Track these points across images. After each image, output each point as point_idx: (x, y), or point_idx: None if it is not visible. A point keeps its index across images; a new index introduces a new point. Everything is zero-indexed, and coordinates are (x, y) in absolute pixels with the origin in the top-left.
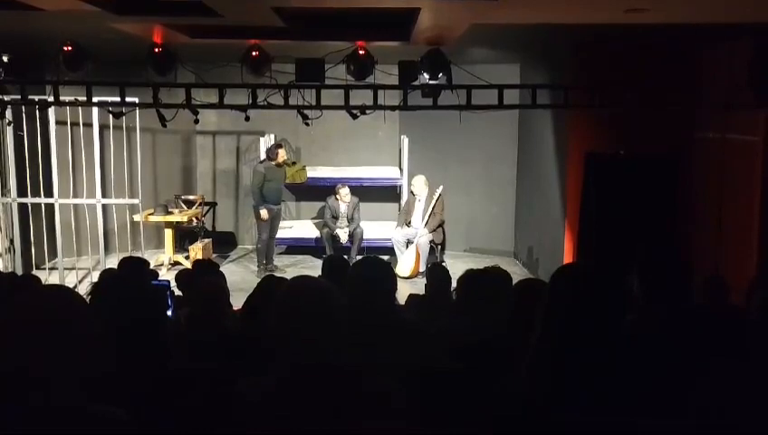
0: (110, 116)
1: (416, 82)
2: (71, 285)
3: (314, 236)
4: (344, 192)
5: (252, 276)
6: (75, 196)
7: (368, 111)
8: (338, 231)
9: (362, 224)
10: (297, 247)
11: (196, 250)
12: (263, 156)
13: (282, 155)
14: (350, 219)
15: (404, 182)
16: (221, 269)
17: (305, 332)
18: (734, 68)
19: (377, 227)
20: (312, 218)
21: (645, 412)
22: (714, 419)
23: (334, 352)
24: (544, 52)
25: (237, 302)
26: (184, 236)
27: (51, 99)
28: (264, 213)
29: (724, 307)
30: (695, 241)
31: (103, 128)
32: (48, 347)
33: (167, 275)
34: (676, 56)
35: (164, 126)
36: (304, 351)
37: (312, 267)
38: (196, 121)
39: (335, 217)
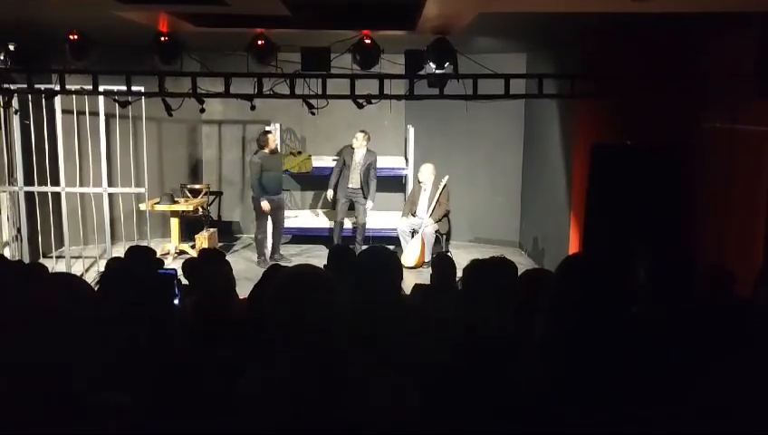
0: (116, 105)
1: (422, 72)
2: (77, 274)
3: (319, 226)
4: (359, 136)
5: (257, 266)
6: (82, 185)
7: (373, 101)
8: (343, 216)
9: (368, 213)
10: (303, 237)
11: (202, 239)
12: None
13: (273, 140)
14: (363, 179)
15: (410, 172)
16: (226, 258)
17: (301, 321)
18: (741, 57)
19: (382, 217)
20: (322, 207)
21: (648, 403)
22: (717, 410)
23: (334, 341)
24: (551, 41)
25: (243, 290)
26: (190, 225)
27: (57, 88)
28: (265, 205)
29: (728, 299)
30: (700, 232)
31: (109, 117)
32: (55, 335)
33: (173, 263)
34: (683, 46)
35: (170, 115)
36: (302, 340)
37: (319, 256)
38: (202, 111)
39: (347, 167)
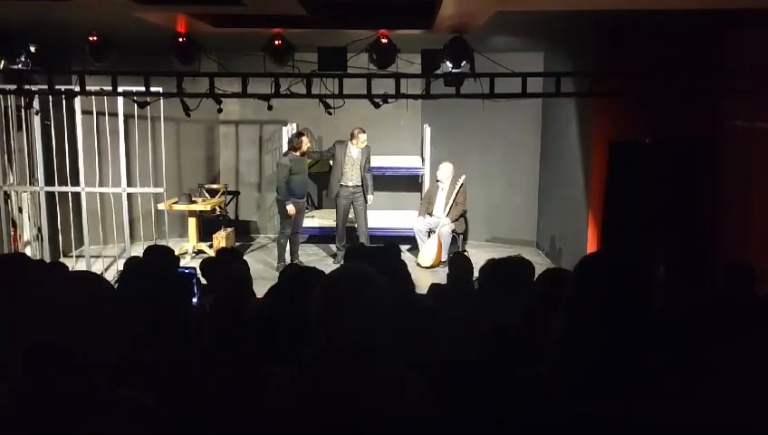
0: (135, 106)
1: (438, 71)
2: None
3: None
4: (363, 137)
5: (274, 264)
6: (101, 185)
7: (390, 100)
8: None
9: (383, 213)
10: (320, 237)
11: (220, 239)
12: (285, 145)
13: (305, 143)
14: (363, 169)
15: (426, 171)
16: (244, 258)
17: (350, 319)
18: (763, 53)
19: (398, 217)
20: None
21: (668, 401)
22: (736, 407)
23: (373, 340)
24: (568, 39)
25: (260, 289)
26: (207, 225)
27: (77, 89)
28: (290, 208)
29: (750, 297)
30: (721, 230)
31: (128, 117)
32: (75, 331)
33: (191, 263)
34: (703, 41)
35: (188, 115)
36: (345, 338)
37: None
38: (220, 111)
39: (338, 164)
